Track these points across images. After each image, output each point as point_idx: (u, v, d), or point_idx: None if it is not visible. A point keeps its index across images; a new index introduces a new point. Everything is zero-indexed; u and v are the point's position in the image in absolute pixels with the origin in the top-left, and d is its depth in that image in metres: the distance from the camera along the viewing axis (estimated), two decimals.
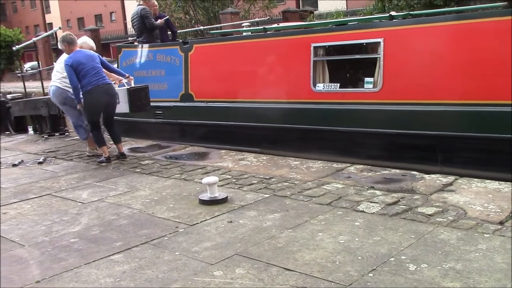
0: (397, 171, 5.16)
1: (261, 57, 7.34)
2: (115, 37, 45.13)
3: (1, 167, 6.57)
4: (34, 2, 62.76)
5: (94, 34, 32.03)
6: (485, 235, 3.34)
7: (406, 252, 3.13)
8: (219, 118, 7.77)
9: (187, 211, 4.24)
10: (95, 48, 7.04)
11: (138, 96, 6.78)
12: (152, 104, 8.38)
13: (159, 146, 7.49)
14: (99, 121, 6.53)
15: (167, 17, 9.89)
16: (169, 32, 9.49)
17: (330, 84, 6.67)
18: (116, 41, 45.66)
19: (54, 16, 59.58)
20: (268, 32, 7.66)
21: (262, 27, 8.10)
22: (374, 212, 3.91)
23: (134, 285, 2.95)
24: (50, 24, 56.65)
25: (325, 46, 6.72)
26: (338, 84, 6.61)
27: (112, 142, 6.84)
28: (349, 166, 5.45)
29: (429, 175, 4.88)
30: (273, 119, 7.11)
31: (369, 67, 6.42)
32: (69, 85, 6.41)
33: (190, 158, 6.50)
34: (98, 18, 54.34)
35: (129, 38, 24.80)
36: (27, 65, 43.99)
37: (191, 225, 3.89)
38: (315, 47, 6.68)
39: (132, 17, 9.05)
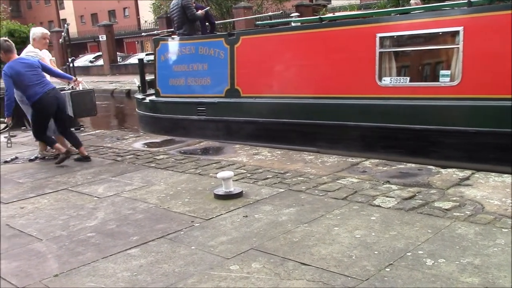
0: (413, 165, 5.12)
1: (317, 49, 6.85)
2: (129, 32, 45.33)
3: (19, 162, 6.64)
4: None
5: (108, 29, 32.23)
6: (503, 229, 3.30)
7: (423, 247, 3.11)
8: (269, 115, 7.33)
9: (202, 205, 4.25)
10: (47, 35, 6.85)
11: (82, 100, 6.50)
12: (194, 100, 8.23)
13: (173, 141, 7.51)
14: (45, 128, 6.29)
15: (208, 8, 9.68)
16: (207, 23, 9.12)
17: (398, 77, 6.17)
18: (129, 36, 45.97)
19: (68, 12, 59.93)
20: (324, 22, 7.14)
21: (317, 17, 7.62)
22: (390, 207, 3.88)
23: (151, 279, 2.96)
24: (64, 20, 56.96)
25: (394, 36, 6.20)
26: (408, 78, 6.13)
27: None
28: (364, 161, 5.42)
29: (445, 169, 4.83)
30: (331, 116, 6.64)
31: (444, 58, 5.98)
32: None
33: (204, 152, 6.51)
34: (112, 13, 54.55)
35: (142, 34, 25.01)
36: None
37: (207, 220, 3.90)
38: (381, 37, 6.16)
39: (171, 9, 8.74)
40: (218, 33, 9.47)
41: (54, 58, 7.31)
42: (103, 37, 31.83)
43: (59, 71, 6.52)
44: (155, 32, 27.78)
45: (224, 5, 25.25)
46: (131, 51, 46.47)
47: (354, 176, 4.82)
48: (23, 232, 3.91)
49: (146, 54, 34.62)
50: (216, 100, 7.94)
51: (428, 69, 6.37)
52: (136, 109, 10.37)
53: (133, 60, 34.06)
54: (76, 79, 6.63)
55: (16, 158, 6.80)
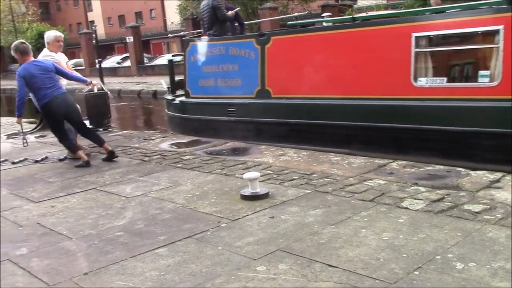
0: (441, 167, 5.05)
1: (350, 49, 6.74)
2: (155, 33, 45.80)
3: (49, 161, 6.76)
4: (77, 0, 64.27)
5: (135, 31, 32.65)
6: None
7: (453, 250, 3.07)
8: (300, 116, 7.22)
9: (229, 206, 4.27)
10: (61, 38, 6.92)
11: (95, 103, 6.57)
12: (224, 101, 8.19)
13: (199, 141, 7.56)
14: (61, 132, 6.41)
15: (238, 8, 9.68)
16: (236, 24, 9.05)
17: (434, 78, 6.01)
18: (156, 37, 46.43)
19: (96, 14, 60.89)
20: (356, 22, 7.02)
21: (350, 17, 7.51)
22: (418, 209, 3.84)
23: (179, 278, 2.99)
24: (92, 22, 57.90)
25: (430, 35, 6.07)
26: (445, 79, 5.97)
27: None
28: (391, 162, 5.36)
29: (475, 172, 4.75)
30: (364, 117, 6.52)
31: (482, 58, 5.82)
32: None
33: (230, 153, 6.54)
34: (138, 15, 55.19)
35: (169, 35, 25.25)
36: (70, 62, 45.16)
37: (233, 220, 3.91)
38: (417, 37, 6.03)
39: (202, 9, 8.72)
40: (246, 33, 9.42)
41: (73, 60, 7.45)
42: (130, 39, 32.26)
43: (73, 74, 6.60)
44: (181, 33, 28.06)
45: (250, 6, 25.32)
46: (157, 52, 46.95)
47: (381, 178, 4.77)
48: (54, 231, 3.99)
49: (173, 55, 34.95)
50: (247, 101, 7.88)
51: (465, 69, 6.20)
52: (166, 110, 10.40)
53: (160, 61, 34.43)
54: (91, 81, 6.68)
55: (46, 158, 6.94)
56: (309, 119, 7.13)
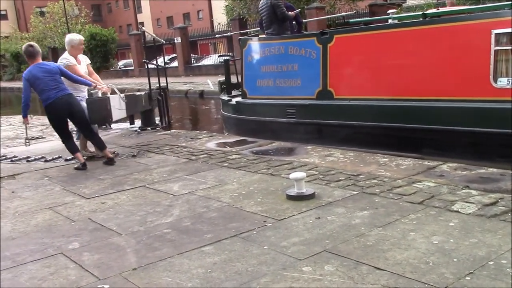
0: (495, 170, 4.88)
1: (421, 47, 6.42)
2: (202, 34, 46.30)
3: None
4: (127, 2, 65.87)
5: (183, 32, 33.17)
6: None
7: (507, 256, 2.96)
8: (366, 118, 6.94)
9: (274, 206, 4.27)
10: (75, 40, 7.01)
11: (97, 107, 6.57)
12: (283, 102, 8.01)
13: (245, 141, 7.59)
14: (65, 133, 6.52)
15: (299, 10, 9.48)
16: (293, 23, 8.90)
17: None
18: (203, 38, 46.96)
19: (145, 16, 62.22)
20: (427, 19, 6.72)
21: (421, 13, 7.15)
22: (470, 213, 3.72)
23: (225, 276, 3.01)
24: (142, 23, 59.23)
25: None
26: None
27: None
28: (441, 164, 5.23)
29: None
30: (437, 120, 6.20)
31: None
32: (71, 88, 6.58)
33: (276, 153, 6.54)
34: (186, 16, 56.01)
35: (216, 35, 25.50)
36: (121, 63, 46.39)
37: (279, 220, 3.91)
38: (497, 34, 5.66)
39: (260, 8, 8.57)
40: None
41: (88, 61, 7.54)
42: (178, 39, 32.76)
43: (79, 77, 6.70)
44: (228, 34, 28.27)
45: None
46: (204, 52, 47.48)
47: (430, 180, 4.66)
48: (104, 226, 4.10)
49: (219, 56, 35.30)
50: (307, 102, 7.65)
51: None
52: (221, 111, 10.29)
53: (206, 61, 34.85)
54: (96, 85, 6.78)
55: (97, 155, 7.13)
56: (376, 122, 6.82)
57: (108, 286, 3.01)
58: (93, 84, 6.73)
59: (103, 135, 9.14)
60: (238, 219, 4.01)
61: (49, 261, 3.45)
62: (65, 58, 6.95)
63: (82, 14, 47.93)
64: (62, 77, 6.39)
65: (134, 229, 3.97)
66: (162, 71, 10.35)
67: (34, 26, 50.16)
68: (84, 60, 7.28)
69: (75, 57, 7.05)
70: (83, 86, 6.88)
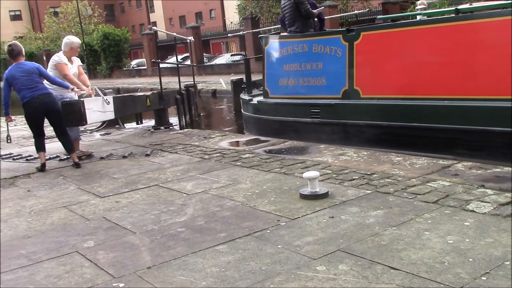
0: (510, 168, 4.83)
1: (455, 44, 6.18)
2: (214, 33, 46.39)
3: (113, 158, 7.00)
4: (140, 2, 66.18)
5: (195, 31, 33.25)
6: None
7: None
8: (395, 118, 6.71)
9: (288, 205, 4.27)
10: (75, 43, 7.13)
11: (70, 110, 6.57)
12: (307, 101, 7.80)
13: (258, 140, 7.60)
14: (39, 130, 6.63)
15: (322, 8, 9.25)
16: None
17: None
18: (215, 37, 47.03)
19: (158, 15, 62.49)
20: (461, 15, 6.39)
21: (453, 8, 6.76)
22: (485, 212, 3.69)
23: (239, 275, 3.02)
24: (154, 23, 59.48)
25: None
26: None
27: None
28: (456, 163, 5.19)
29: None
30: (472, 120, 5.96)
31: None
32: (53, 88, 6.70)
33: (289, 152, 6.53)
34: (199, 15, 56.14)
35: (228, 35, 25.57)
36: (133, 62, 46.64)
37: (293, 219, 3.90)
38: None
39: (283, 5, 8.38)
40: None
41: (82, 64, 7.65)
42: (190, 39, 32.83)
43: (56, 79, 6.75)
44: (240, 33, 28.27)
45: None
46: (217, 51, 47.58)
47: (445, 179, 4.62)
48: (119, 225, 4.12)
49: (231, 55, 35.34)
50: (333, 101, 7.46)
51: None
52: (242, 111, 10.13)
53: (219, 60, 34.90)
54: (73, 88, 6.80)
55: (111, 154, 7.19)
56: (405, 121, 6.59)
57: (123, 284, 3.03)
58: (70, 86, 6.78)
59: (116, 134, 9.22)
60: (251, 218, 4.02)
61: (64, 260, 3.48)
62: (57, 56, 7.09)
63: (95, 14, 48.30)
64: (40, 77, 6.52)
65: (148, 228, 3.99)
66: (180, 70, 10.34)
67: (48, 26, 50.66)
68: (77, 61, 7.41)
69: (69, 58, 7.17)
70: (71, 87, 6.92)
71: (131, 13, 67.81)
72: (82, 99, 6.74)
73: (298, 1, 8.00)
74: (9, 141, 7.00)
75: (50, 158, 7.16)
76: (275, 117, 8.36)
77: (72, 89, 6.80)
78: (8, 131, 7.00)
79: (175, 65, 11.22)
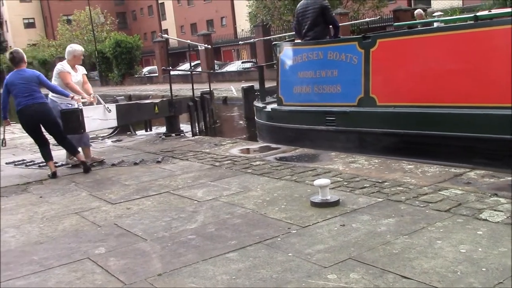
0: None
1: (474, 51, 6.08)
2: (225, 41, 46.60)
3: (125, 165, 7.04)
4: (152, 9, 66.70)
5: (206, 38, 33.39)
6: None
7: None
8: (413, 126, 6.59)
9: (298, 212, 4.26)
10: (78, 51, 7.21)
11: (68, 118, 6.63)
12: (322, 109, 7.72)
13: (269, 147, 7.60)
14: (40, 139, 6.69)
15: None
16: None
17: None
18: (226, 45, 47.23)
19: (170, 23, 62.93)
20: (480, 21, 6.32)
21: (473, 15, 6.72)
22: (498, 221, 3.65)
23: (249, 283, 3.01)
24: (166, 30, 59.90)
25: None
26: None
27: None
28: (468, 171, 5.15)
29: None
30: (493, 128, 5.83)
31: None
32: (57, 96, 6.84)
33: (300, 160, 6.52)
34: (210, 23, 56.42)
35: (239, 42, 25.66)
36: (145, 69, 46.94)
37: (303, 227, 3.89)
38: None
39: (302, 9, 8.13)
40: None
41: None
42: (202, 46, 32.96)
43: (58, 87, 6.82)
44: (251, 40, 28.35)
45: None
46: (228, 59, 47.74)
47: (457, 188, 4.59)
48: (130, 232, 4.14)
49: (242, 62, 35.45)
50: (348, 109, 7.35)
51: None
52: (256, 118, 10.08)
53: (230, 68, 35.02)
54: (73, 96, 6.84)
55: (123, 161, 7.22)
56: (422, 130, 6.50)
57: None
58: (70, 95, 6.82)
59: (127, 141, 9.27)
60: (262, 225, 4.01)
61: (76, 266, 3.50)
62: (61, 65, 7.17)
63: (108, 22, 48.74)
64: (39, 85, 6.59)
65: (159, 235, 4.00)
66: (184, 78, 10.44)
67: (61, 33, 51.21)
68: (81, 69, 7.46)
69: (73, 67, 7.24)
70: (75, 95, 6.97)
71: (143, 20, 68.36)
72: (80, 107, 6.80)
73: (325, 6, 7.90)
74: (4, 145, 7.10)
75: (62, 165, 7.21)
76: (289, 125, 8.31)
77: (72, 97, 6.86)
78: (4, 135, 7.11)
79: (187, 72, 11.28)
